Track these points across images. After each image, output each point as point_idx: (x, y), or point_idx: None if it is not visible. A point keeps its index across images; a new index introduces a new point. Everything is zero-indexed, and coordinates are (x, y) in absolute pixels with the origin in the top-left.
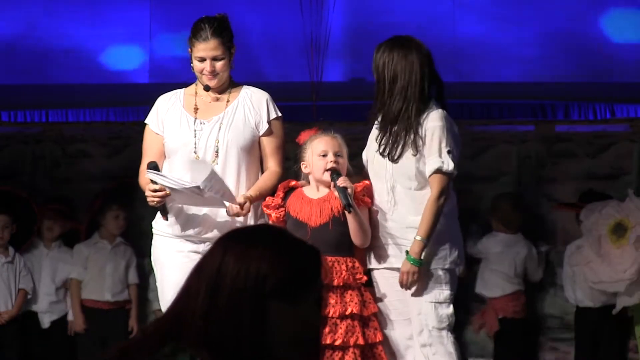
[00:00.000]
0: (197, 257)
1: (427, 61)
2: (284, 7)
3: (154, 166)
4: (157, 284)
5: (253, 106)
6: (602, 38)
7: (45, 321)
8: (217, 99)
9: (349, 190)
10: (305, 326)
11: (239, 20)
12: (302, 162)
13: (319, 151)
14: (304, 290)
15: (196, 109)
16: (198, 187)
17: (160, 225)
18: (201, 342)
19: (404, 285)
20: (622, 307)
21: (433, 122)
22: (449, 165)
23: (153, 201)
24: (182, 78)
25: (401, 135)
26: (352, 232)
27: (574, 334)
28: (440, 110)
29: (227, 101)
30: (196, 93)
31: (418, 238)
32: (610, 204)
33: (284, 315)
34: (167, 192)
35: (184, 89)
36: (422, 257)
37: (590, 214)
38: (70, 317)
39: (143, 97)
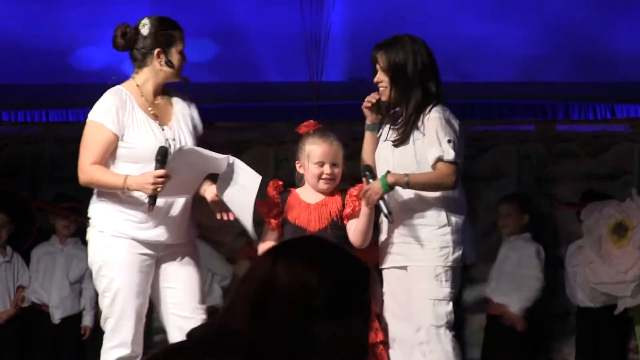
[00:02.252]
0: (150, 262)
1: (432, 57)
2: (284, 7)
3: (164, 151)
4: (106, 286)
5: (186, 107)
6: (603, 38)
7: (56, 317)
8: (163, 101)
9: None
10: (351, 342)
11: (238, 20)
12: (297, 161)
13: (315, 160)
14: (351, 306)
15: (154, 114)
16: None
17: (113, 225)
18: (245, 354)
19: (359, 196)
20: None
21: (434, 114)
22: (449, 154)
23: (156, 188)
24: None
25: (410, 124)
26: (358, 232)
27: (574, 334)
28: (440, 105)
29: (171, 104)
30: (141, 94)
31: (405, 176)
32: (610, 203)
33: (331, 331)
34: (169, 178)
35: (123, 87)
36: (391, 188)
37: (590, 213)
38: (87, 322)
39: None
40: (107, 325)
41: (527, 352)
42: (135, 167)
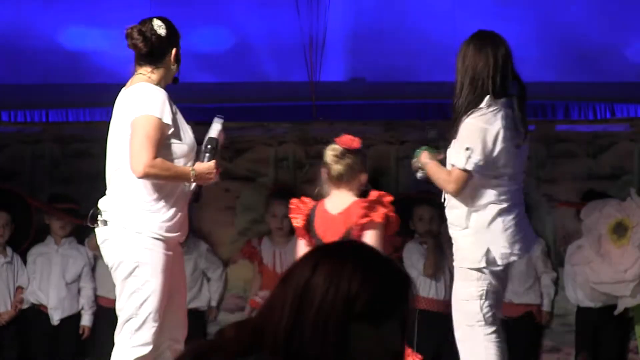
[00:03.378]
0: (172, 260)
1: (497, 56)
2: (283, 6)
3: (215, 142)
4: (138, 287)
5: None
6: (603, 37)
7: (55, 318)
8: None
9: None
10: (387, 349)
11: (237, 19)
12: (364, 174)
13: None
14: (390, 313)
15: None
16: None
17: (151, 226)
18: (282, 356)
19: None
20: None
21: (469, 119)
22: (460, 161)
23: (214, 178)
24: (181, 78)
25: (453, 127)
26: None
27: (574, 334)
28: (485, 108)
29: None
30: None
31: (426, 160)
32: (610, 203)
33: (368, 337)
34: None
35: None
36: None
37: (590, 213)
38: (85, 322)
39: None
40: (130, 325)
41: (528, 352)
42: (178, 162)
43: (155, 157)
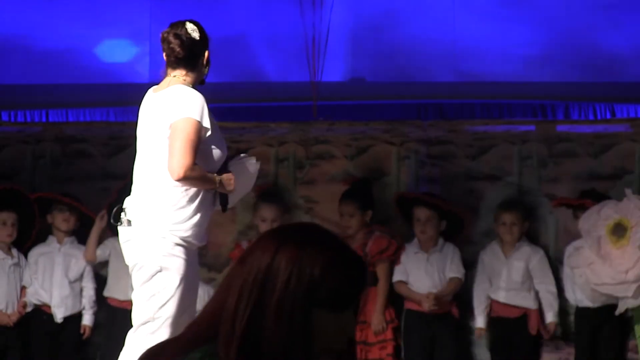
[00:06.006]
0: (192, 266)
1: None
2: (284, 6)
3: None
4: (158, 291)
5: None
6: (603, 37)
7: (59, 316)
8: None
9: None
10: (343, 335)
11: (238, 19)
12: None
13: None
14: (348, 299)
15: None
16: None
17: (178, 232)
18: (236, 344)
19: None
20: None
21: None
22: None
23: (233, 187)
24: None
25: None
26: None
27: (574, 334)
28: None
29: None
30: None
31: None
32: (608, 204)
33: (328, 323)
34: None
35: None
36: None
37: (588, 215)
38: (87, 321)
39: (143, 97)
40: (147, 327)
41: (534, 353)
42: (208, 167)
43: (195, 161)
